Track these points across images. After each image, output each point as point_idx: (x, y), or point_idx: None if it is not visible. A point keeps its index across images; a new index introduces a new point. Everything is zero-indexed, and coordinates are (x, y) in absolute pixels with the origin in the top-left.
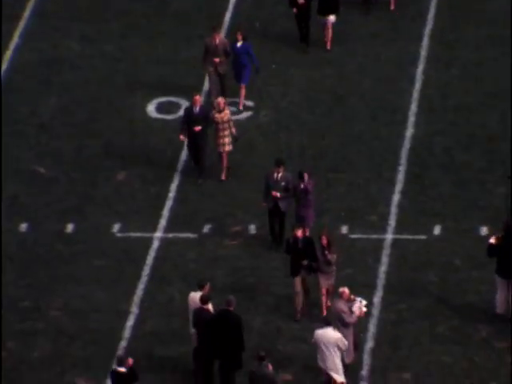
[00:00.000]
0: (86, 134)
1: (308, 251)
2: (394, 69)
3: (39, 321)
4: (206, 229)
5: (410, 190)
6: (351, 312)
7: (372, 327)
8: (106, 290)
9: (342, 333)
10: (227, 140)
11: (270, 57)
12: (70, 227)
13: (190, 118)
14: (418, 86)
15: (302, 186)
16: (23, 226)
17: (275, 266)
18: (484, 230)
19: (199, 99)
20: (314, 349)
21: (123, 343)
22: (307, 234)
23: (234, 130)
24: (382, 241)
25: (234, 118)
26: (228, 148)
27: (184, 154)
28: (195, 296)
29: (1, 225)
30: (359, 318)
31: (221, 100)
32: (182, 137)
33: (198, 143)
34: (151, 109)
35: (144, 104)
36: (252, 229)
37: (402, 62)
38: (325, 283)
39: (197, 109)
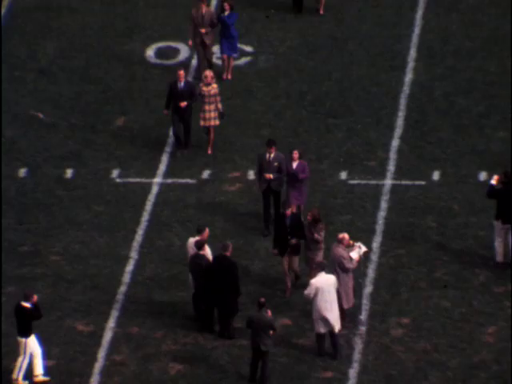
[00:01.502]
0: (85, 79)
1: (295, 229)
2: (394, 14)
3: (39, 266)
4: (206, 174)
5: (409, 136)
6: (350, 258)
7: (371, 272)
8: (106, 236)
9: (343, 279)
10: (213, 114)
11: (269, 2)
12: (69, 172)
13: (174, 93)
14: (417, 31)
15: (294, 168)
16: (22, 171)
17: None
18: (483, 176)
19: (183, 74)
20: (310, 301)
21: (123, 288)
22: (299, 210)
23: (220, 106)
24: (380, 186)
25: (233, 64)
26: (214, 123)
27: None
28: (193, 241)
29: (0, 170)
30: (358, 262)
31: (208, 73)
32: (165, 111)
33: (184, 118)
34: (150, 54)
35: (143, 49)
36: (251, 174)
37: (401, 7)
38: (312, 260)
39: (181, 84)
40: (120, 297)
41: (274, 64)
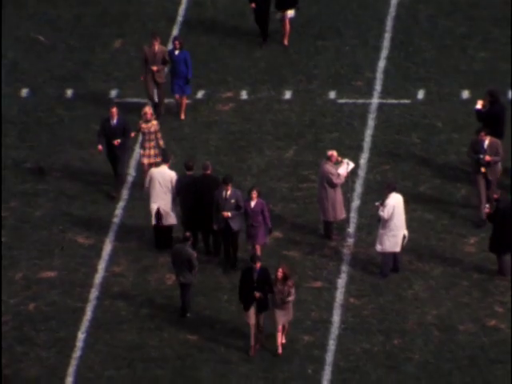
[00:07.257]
0: (84, 2)
1: (263, 283)
2: None
3: (40, 182)
4: (200, 95)
5: (395, 56)
6: (338, 174)
7: (358, 187)
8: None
9: (330, 193)
10: (153, 152)
11: None
12: (69, 93)
13: (107, 131)
14: None
15: (252, 207)
16: (24, 92)
17: (266, 130)
18: (465, 94)
19: (116, 111)
20: (386, 222)
21: (121, 204)
22: (256, 250)
23: (161, 143)
24: (368, 105)
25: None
26: (153, 160)
27: (178, 24)
28: (154, 171)
29: (0, 90)
30: (345, 178)
31: (148, 110)
32: (100, 147)
33: (118, 156)
34: None
35: None
36: (243, 94)
37: None
38: (281, 319)
39: (114, 121)
40: (119, 211)
41: None
